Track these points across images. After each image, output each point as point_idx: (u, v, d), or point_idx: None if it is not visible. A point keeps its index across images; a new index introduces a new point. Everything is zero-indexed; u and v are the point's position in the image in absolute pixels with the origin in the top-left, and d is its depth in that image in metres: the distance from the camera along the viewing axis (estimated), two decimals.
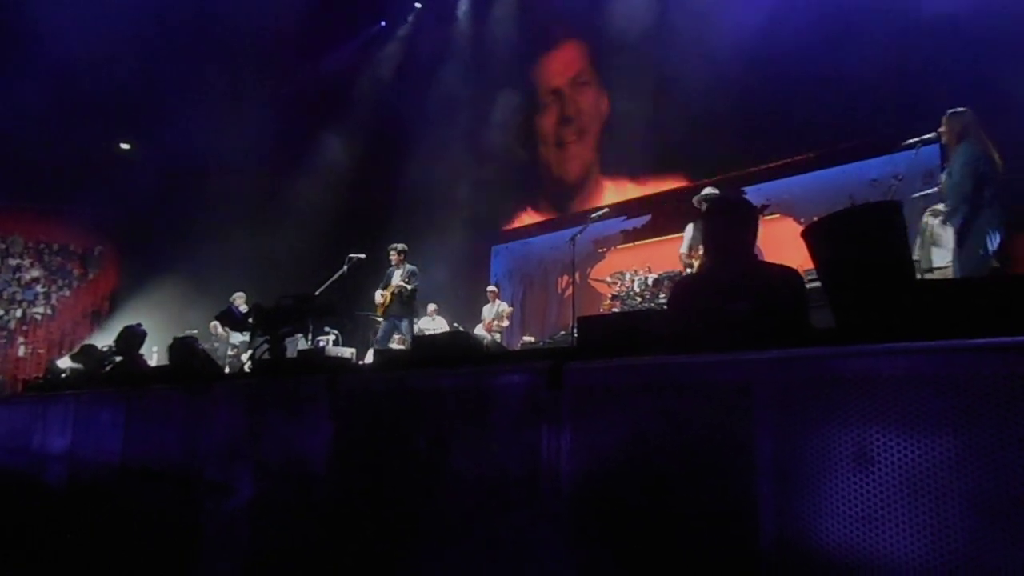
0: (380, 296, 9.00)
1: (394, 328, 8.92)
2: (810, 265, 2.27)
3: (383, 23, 16.52)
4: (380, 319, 9.17)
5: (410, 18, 16.13)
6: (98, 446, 4.73)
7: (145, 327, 6.53)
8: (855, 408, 1.33)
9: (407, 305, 8.95)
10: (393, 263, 9.01)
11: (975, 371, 1.19)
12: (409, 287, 8.83)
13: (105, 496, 4.42)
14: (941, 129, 5.18)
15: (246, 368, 4.99)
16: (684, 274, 7.09)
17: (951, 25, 7.09)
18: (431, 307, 11.24)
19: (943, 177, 5.29)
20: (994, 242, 4.91)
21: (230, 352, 11.63)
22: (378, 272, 9.40)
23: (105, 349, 7.44)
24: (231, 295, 11.31)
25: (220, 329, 11.57)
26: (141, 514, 4.02)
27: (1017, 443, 1.14)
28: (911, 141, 5.44)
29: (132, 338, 6.35)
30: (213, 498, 3.41)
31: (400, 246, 9.11)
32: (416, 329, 10.53)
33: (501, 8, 14.25)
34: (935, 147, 5.35)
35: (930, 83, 6.98)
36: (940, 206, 5.43)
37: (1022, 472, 1.13)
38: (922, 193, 5.58)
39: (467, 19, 15.01)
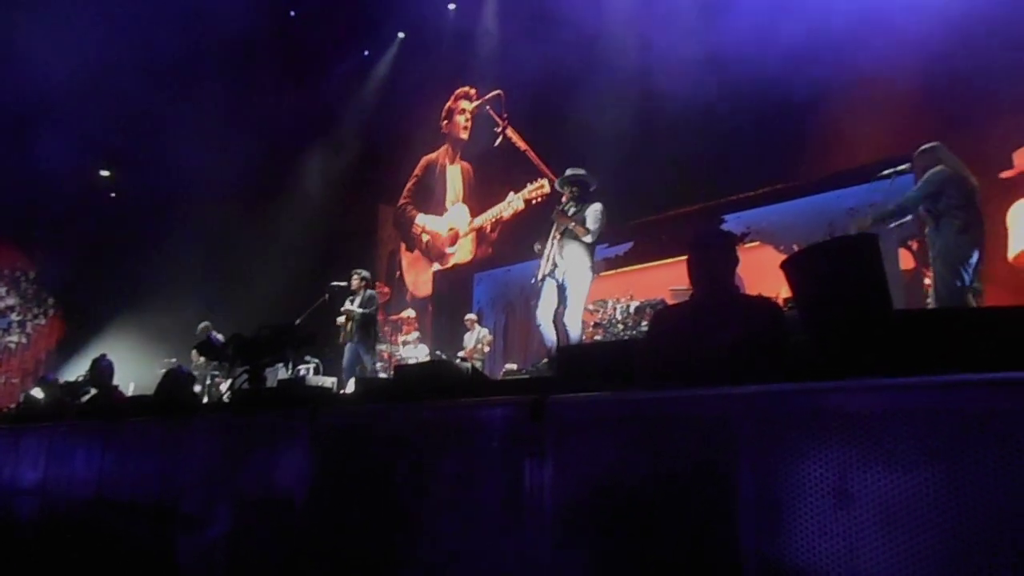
0: (339, 321, 8.94)
1: (356, 354, 8.81)
2: (790, 294, 2.30)
3: (366, 52, 16.62)
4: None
5: (393, 48, 16.23)
6: (73, 479, 4.63)
7: (119, 357, 6.50)
8: (835, 443, 1.34)
9: (367, 331, 8.87)
10: (354, 288, 8.97)
11: (950, 406, 1.21)
12: (362, 312, 8.73)
13: (80, 530, 4.32)
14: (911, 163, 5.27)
15: (224, 399, 4.93)
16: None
17: (933, 52, 7.16)
18: (414, 334, 11.18)
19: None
20: (971, 266, 4.91)
21: (209, 381, 11.49)
22: None
23: (80, 379, 7.36)
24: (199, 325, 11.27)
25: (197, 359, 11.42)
26: (117, 548, 3.93)
27: (992, 477, 1.15)
28: (886, 172, 5.53)
29: (102, 370, 6.34)
30: (190, 531, 3.35)
31: (363, 272, 9.06)
32: (397, 356, 10.45)
33: (482, 39, 14.39)
34: (910, 177, 5.44)
35: (907, 113, 7.08)
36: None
37: (997, 506, 1.14)
38: (897, 223, 5.66)
39: (451, 49, 15.14)
